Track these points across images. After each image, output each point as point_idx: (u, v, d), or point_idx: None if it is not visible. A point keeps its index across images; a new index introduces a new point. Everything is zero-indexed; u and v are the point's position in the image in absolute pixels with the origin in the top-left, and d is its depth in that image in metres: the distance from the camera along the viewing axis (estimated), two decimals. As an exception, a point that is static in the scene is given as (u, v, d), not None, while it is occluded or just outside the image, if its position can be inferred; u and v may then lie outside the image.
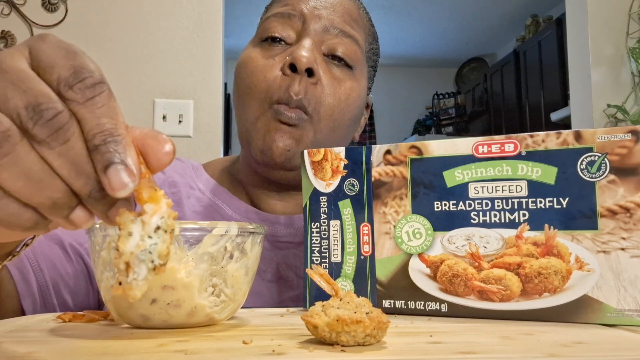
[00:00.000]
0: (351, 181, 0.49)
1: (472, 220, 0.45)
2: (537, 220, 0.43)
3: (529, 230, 0.43)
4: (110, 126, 0.25)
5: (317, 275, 0.42)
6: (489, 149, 0.45)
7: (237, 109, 0.66)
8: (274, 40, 0.63)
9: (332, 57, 0.63)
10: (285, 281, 0.63)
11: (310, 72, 0.60)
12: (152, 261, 0.26)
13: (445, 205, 0.46)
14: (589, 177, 0.42)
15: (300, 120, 0.60)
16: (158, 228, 0.27)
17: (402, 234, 0.47)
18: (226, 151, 3.99)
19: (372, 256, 0.48)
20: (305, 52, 0.60)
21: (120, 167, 0.25)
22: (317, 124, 0.62)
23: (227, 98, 3.65)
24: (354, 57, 0.64)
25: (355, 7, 0.67)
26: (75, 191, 0.26)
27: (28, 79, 0.25)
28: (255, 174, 0.67)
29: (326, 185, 0.50)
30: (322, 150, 0.50)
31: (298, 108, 0.60)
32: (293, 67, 0.60)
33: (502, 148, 0.44)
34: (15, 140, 0.24)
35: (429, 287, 0.46)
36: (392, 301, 0.47)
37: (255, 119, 0.62)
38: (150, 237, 0.27)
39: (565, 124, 3.02)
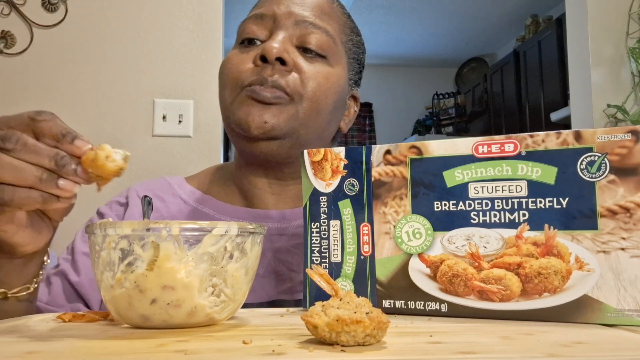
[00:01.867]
0: (351, 181, 0.49)
1: (472, 220, 0.45)
2: (537, 220, 0.43)
3: (529, 230, 0.43)
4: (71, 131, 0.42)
5: (317, 275, 0.42)
6: (489, 149, 0.45)
7: (220, 104, 0.69)
8: (250, 41, 0.67)
9: (305, 49, 0.66)
10: (277, 275, 0.65)
11: (282, 61, 0.63)
12: (126, 155, 0.42)
13: (445, 205, 0.46)
14: (589, 177, 0.42)
15: (279, 98, 0.63)
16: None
17: (402, 234, 0.47)
18: (226, 151, 3.98)
19: (372, 256, 0.48)
20: (275, 44, 0.63)
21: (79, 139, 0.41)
22: (299, 104, 0.64)
23: (227, 98, 3.63)
24: (325, 46, 0.67)
25: (327, 1, 0.70)
26: (47, 168, 0.40)
27: None
28: (246, 167, 0.69)
29: (326, 185, 0.50)
30: (322, 150, 0.50)
31: (274, 88, 0.63)
32: (264, 59, 0.64)
33: (502, 148, 0.44)
34: None
35: (429, 287, 0.46)
36: (392, 301, 0.47)
37: (230, 103, 0.66)
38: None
39: (565, 124, 3.02)
